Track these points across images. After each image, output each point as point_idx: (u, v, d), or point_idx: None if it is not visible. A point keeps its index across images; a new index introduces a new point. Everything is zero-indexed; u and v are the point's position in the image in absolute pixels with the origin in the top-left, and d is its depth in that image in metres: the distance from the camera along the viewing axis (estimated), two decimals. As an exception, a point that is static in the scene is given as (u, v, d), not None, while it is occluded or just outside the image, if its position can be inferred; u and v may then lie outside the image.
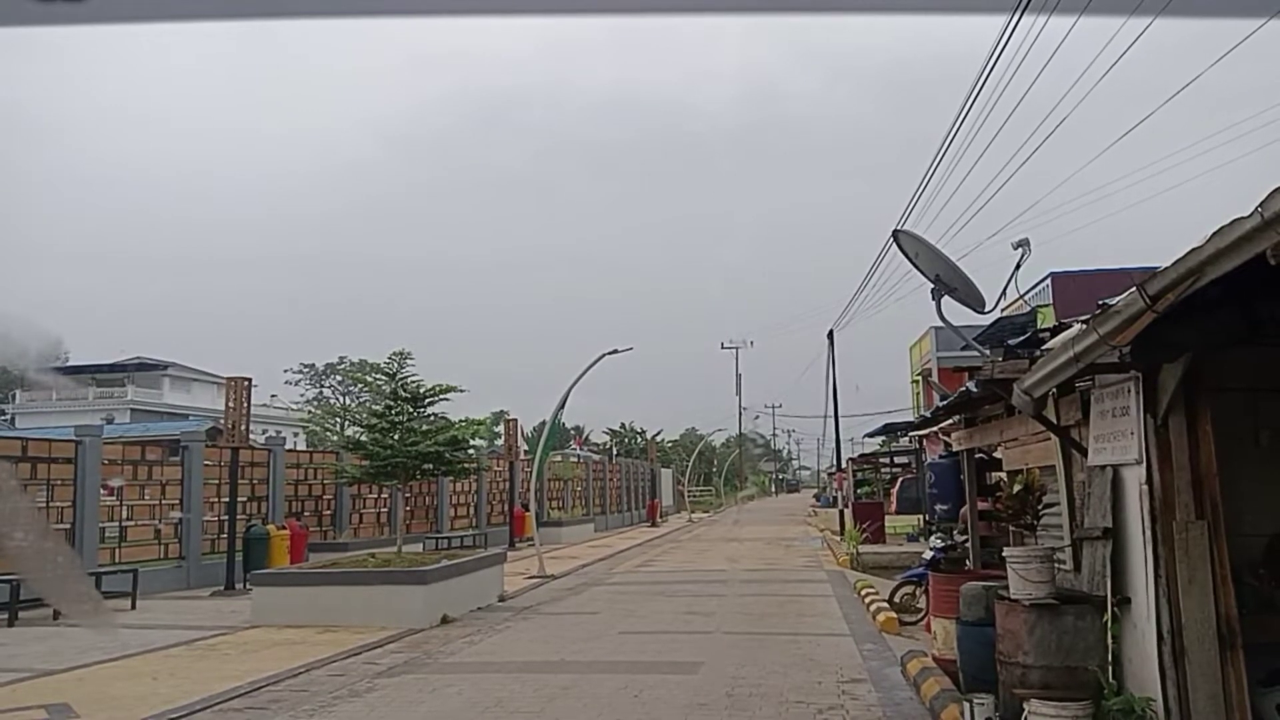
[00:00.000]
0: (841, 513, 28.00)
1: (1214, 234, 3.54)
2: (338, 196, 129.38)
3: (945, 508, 9.97)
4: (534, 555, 18.75)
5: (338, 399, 69.19)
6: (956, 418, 9.52)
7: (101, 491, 15.17)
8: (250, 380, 16.64)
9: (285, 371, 69.79)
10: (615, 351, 20.71)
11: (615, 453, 51.96)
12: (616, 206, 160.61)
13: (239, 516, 16.53)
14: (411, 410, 14.29)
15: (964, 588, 6.99)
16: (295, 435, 52.14)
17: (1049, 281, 19.94)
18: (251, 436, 17.89)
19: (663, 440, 58.75)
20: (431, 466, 14.44)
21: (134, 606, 13.42)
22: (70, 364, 56.23)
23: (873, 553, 19.74)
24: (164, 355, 58.69)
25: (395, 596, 11.76)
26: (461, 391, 15.11)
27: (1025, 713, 5.32)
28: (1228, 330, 4.55)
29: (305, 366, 70.37)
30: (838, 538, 24.64)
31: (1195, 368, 4.78)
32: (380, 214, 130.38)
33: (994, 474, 9.45)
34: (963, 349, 10.40)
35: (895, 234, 9.96)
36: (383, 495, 22.06)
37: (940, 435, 12.01)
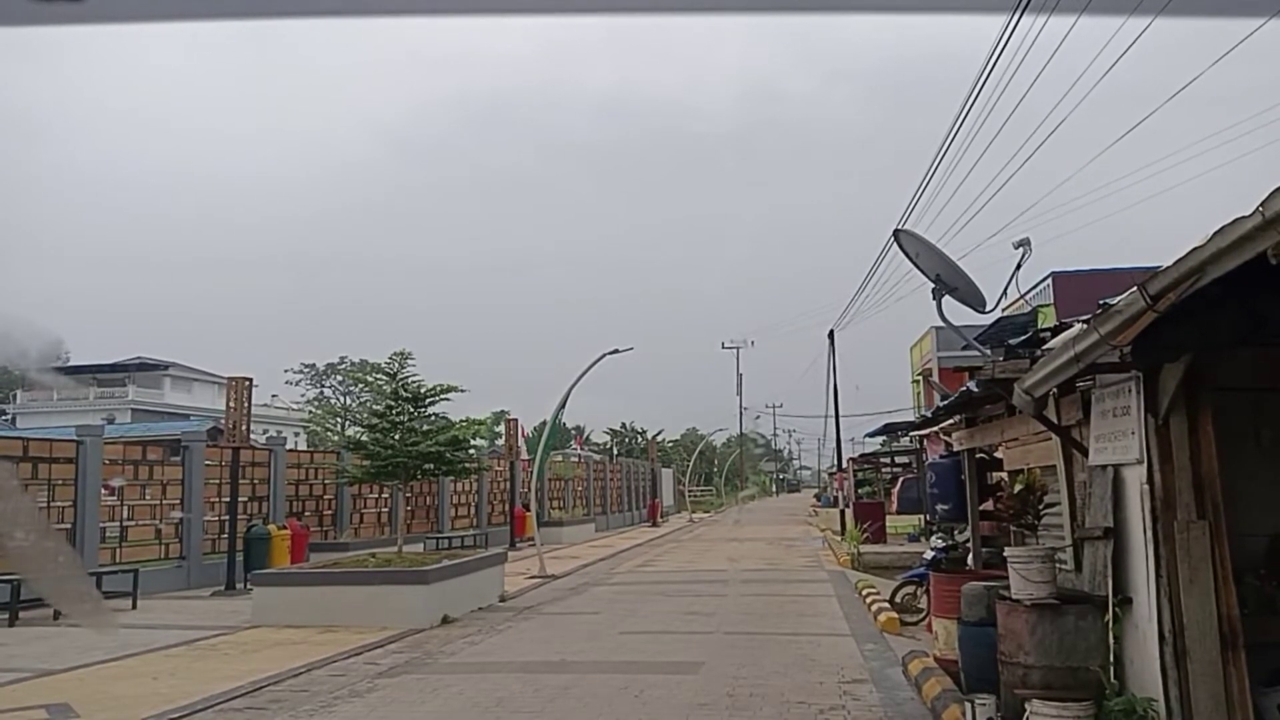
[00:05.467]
0: (842, 513, 27.98)
1: (1215, 233, 3.54)
2: (337, 196, 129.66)
3: (946, 508, 9.95)
4: (535, 555, 18.75)
5: (338, 399, 69.20)
6: (957, 418, 9.51)
7: (102, 491, 15.17)
8: (251, 380, 16.64)
9: (286, 371, 69.81)
10: (615, 351, 20.71)
11: (616, 453, 51.95)
12: (616, 206, 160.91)
13: (240, 516, 16.53)
14: (412, 410, 14.28)
15: (965, 588, 6.98)
16: (296, 435, 52.15)
17: (1050, 281, 19.98)
18: (252, 436, 17.89)
19: (663, 440, 58.76)
20: (432, 466, 14.43)
21: (135, 606, 13.42)
22: (71, 364, 56.29)
23: (874, 553, 19.72)
24: (165, 355, 58.78)
25: (396, 596, 11.76)
26: (462, 391, 15.12)
27: (1027, 713, 5.32)
28: (1229, 330, 4.54)
29: (306, 366, 70.39)
30: (838, 538, 24.64)
31: (1196, 367, 4.78)
32: (380, 214, 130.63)
33: (995, 474, 9.45)
34: (963, 349, 10.39)
35: (896, 234, 9.96)
36: (383, 495, 22.05)
37: (941, 435, 12.00)
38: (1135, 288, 4.05)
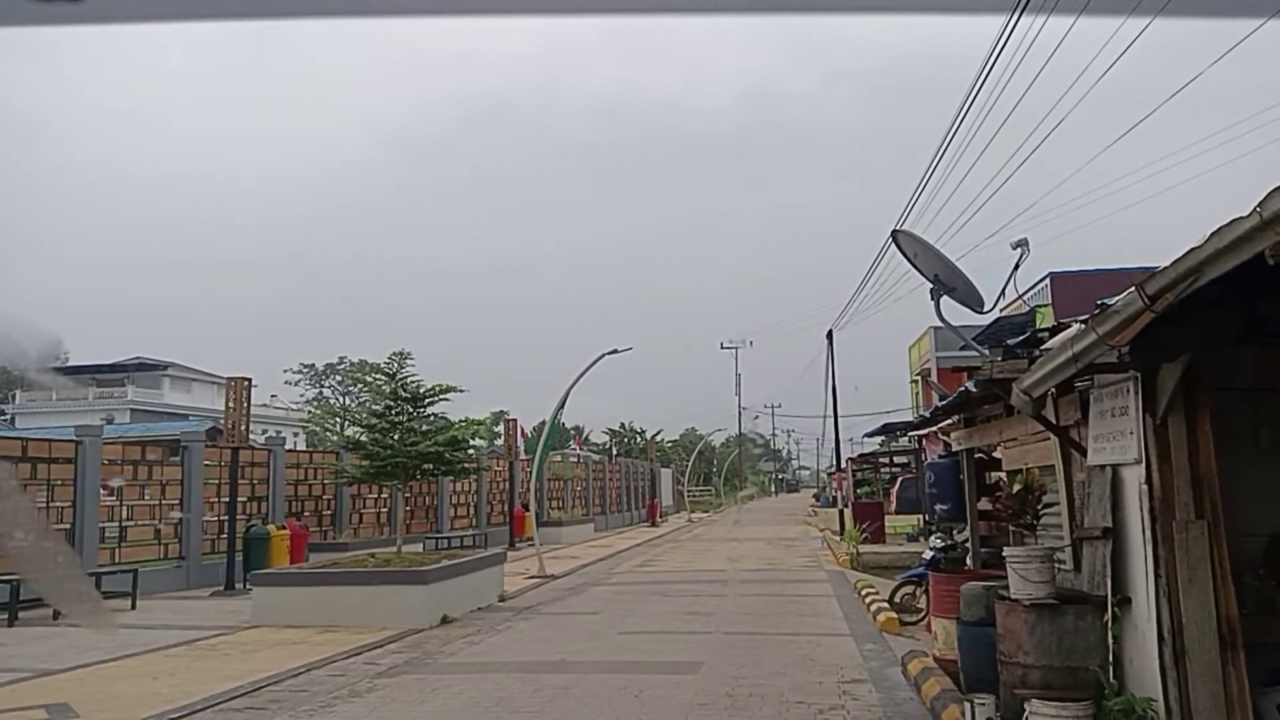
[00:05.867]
0: (841, 512, 28.00)
1: (1213, 234, 3.55)
2: (337, 196, 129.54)
3: (945, 508, 9.97)
4: (534, 555, 18.75)
5: (338, 399, 69.20)
6: (956, 418, 9.52)
7: (101, 492, 15.17)
8: (250, 380, 16.63)
9: (285, 371, 69.92)
10: (615, 351, 20.71)
11: (615, 453, 51.95)
12: (616, 206, 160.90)
13: (239, 516, 16.53)
14: (411, 410, 14.28)
15: (964, 588, 6.99)
16: (295, 435, 52.17)
17: (1048, 281, 19.99)
18: (251, 436, 17.88)
19: (662, 440, 58.75)
20: (431, 466, 14.43)
21: (134, 606, 13.42)
22: (70, 364, 56.23)
23: (873, 552, 19.73)
24: (164, 355, 58.78)
25: (395, 596, 11.76)
26: (461, 391, 15.12)
27: (1026, 713, 5.32)
28: (1227, 330, 4.55)
29: (305, 366, 70.46)
30: (837, 538, 24.64)
31: (1194, 367, 4.78)
32: (380, 214, 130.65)
33: (994, 474, 9.45)
34: (962, 349, 10.40)
35: (894, 234, 9.96)
36: (383, 495, 22.06)
37: (940, 435, 12.01)
38: (1133, 288, 4.06)
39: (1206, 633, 4.74)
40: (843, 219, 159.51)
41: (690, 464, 60.26)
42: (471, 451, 20.18)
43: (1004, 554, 5.94)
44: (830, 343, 31.97)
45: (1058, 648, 5.24)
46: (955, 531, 10.55)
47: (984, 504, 9.16)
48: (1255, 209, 3.29)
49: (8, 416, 52.25)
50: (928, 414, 10.65)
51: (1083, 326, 4.63)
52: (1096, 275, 17.07)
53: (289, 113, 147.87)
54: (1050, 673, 5.24)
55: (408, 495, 21.14)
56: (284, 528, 17.54)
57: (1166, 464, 4.93)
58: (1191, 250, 3.68)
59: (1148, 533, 4.98)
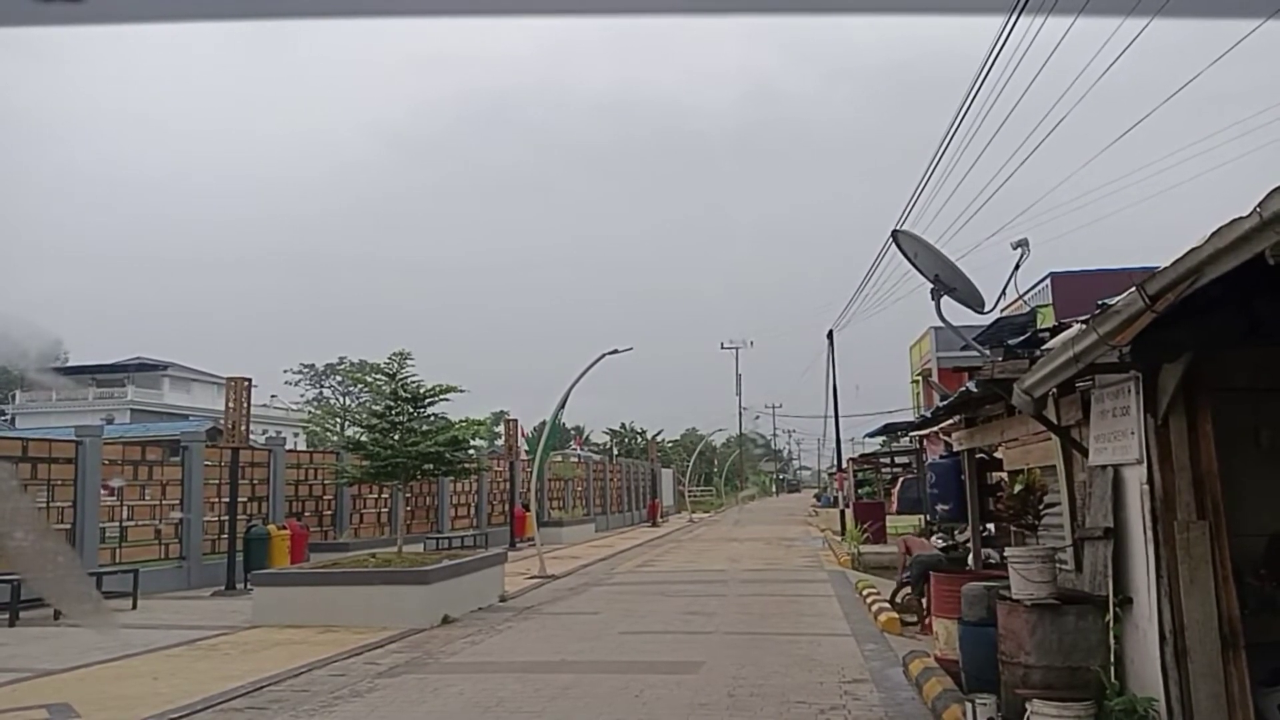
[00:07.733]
0: (842, 513, 27.99)
1: (1213, 234, 3.55)
2: (338, 196, 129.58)
3: (946, 508, 9.97)
4: (535, 555, 18.76)
5: (338, 399, 69.23)
6: (957, 418, 9.52)
7: (102, 492, 15.17)
8: (250, 380, 16.64)
9: (285, 372, 69.92)
10: (615, 351, 20.72)
11: (616, 453, 51.95)
12: (616, 206, 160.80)
13: (239, 516, 16.53)
14: (412, 410, 14.28)
15: (965, 588, 6.99)
16: (295, 435, 52.14)
17: (1049, 281, 19.96)
18: (252, 437, 17.88)
19: (663, 440, 58.78)
20: (432, 466, 14.43)
21: (135, 606, 13.41)
22: (70, 364, 56.28)
23: (874, 553, 19.72)
24: (164, 355, 58.78)
25: (396, 596, 11.76)
26: (461, 392, 15.11)
27: (1027, 713, 5.32)
28: (1227, 330, 4.55)
29: (305, 367, 70.47)
30: (838, 538, 24.65)
31: (1195, 367, 4.78)
32: (380, 214, 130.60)
33: (995, 474, 9.45)
34: (963, 349, 10.40)
35: (895, 234, 9.96)
36: (383, 495, 22.06)
37: (941, 435, 12.00)
38: (1134, 288, 4.06)
39: (1208, 632, 4.74)
40: (843, 219, 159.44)
41: (691, 464, 60.28)
42: (472, 452, 20.19)
43: (1005, 554, 5.94)
44: (831, 343, 31.96)
45: (1059, 648, 5.24)
46: (956, 532, 10.55)
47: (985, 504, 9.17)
48: (1255, 209, 3.29)
49: (8, 416, 52.26)
50: (929, 414, 10.64)
51: (1084, 326, 4.63)
52: (1097, 275, 17.04)
53: (289, 113, 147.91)
54: (1051, 673, 5.24)
55: (408, 495, 21.14)
56: (284, 528, 17.54)
57: (1168, 464, 4.93)
58: (1192, 250, 3.68)
59: (1149, 533, 4.98)
